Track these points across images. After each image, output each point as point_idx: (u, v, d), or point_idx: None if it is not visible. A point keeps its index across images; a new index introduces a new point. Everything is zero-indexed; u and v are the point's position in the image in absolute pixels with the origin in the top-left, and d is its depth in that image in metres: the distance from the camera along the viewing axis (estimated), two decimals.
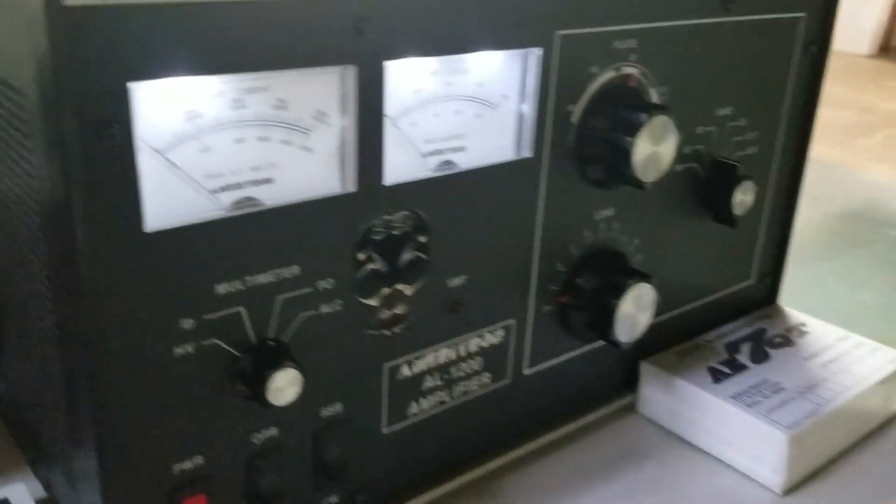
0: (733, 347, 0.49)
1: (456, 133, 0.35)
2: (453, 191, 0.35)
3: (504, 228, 0.37)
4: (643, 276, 0.41)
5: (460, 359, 0.38)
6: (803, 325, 0.52)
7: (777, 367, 0.47)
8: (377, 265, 0.34)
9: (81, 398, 0.29)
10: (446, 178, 0.34)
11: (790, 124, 0.50)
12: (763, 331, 0.51)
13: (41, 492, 0.38)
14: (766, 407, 0.43)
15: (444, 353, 0.38)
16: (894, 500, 0.42)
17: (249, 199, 0.30)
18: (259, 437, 0.32)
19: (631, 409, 0.48)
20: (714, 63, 0.44)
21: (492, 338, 0.39)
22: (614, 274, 0.41)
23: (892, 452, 0.45)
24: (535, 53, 0.35)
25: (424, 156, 0.34)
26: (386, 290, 0.34)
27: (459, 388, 0.39)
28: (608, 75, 0.38)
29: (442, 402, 0.39)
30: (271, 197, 0.30)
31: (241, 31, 0.27)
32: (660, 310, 0.42)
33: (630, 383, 0.48)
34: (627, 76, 0.39)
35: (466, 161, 0.35)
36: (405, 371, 0.36)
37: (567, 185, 0.39)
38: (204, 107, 0.28)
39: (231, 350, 0.30)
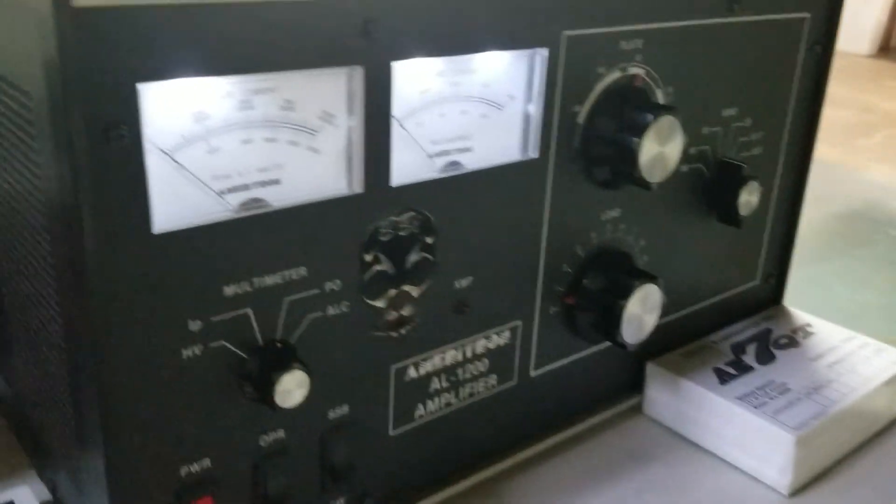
0: (739, 348, 0.49)
1: (462, 134, 0.35)
2: (460, 192, 0.35)
3: (510, 229, 0.37)
4: (650, 277, 0.41)
5: (467, 360, 0.38)
6: (808, 325, 0.52)
7: (783, 368, 0.47)
8: (384, 266, 0.34)
9: (88, 400, 0.29)
10: (453, 178, 0.34)
11: (795, 124, 0.50)
12: (769, 331, 0.51)
13: (46, 494, 0.38)
14: (773, 408, 0.43)
15: (450, 355, 0.37)
16: None
17: (256, 200, 0.30)
18: (266, 440, 0.32)
19: (637, 410, 0.48)
20: (719, 63, 0.44)
21: (498, 339, 0.39)
22: (621, 275, 0.41)
23: None
24: (542, 54, 0.35)
25: (431, 157, 0.34)
26: (392, 292, 0.34)
27: (466, 390, 0.39)
28: (614, 76, 0.38)
29: (448, 404, 0.38)
30: (278, 198, 0.30)
31: (249, 32, 0.27)
32: (665, 311, 0.42)
33: (635, 385, 0.48)
34: (633, 76, 0.39)
35: (473, 162, 0.35)
36: (412, 373, 0.36)
37: (573, 185, 0.39)
38: (211, 108, 0.28)
39: (238, 352, 0.30)
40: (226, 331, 0.30)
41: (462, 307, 0.37)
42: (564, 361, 0.43)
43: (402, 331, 0.35)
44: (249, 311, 0.30)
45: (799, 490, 0.42)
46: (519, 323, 0.40)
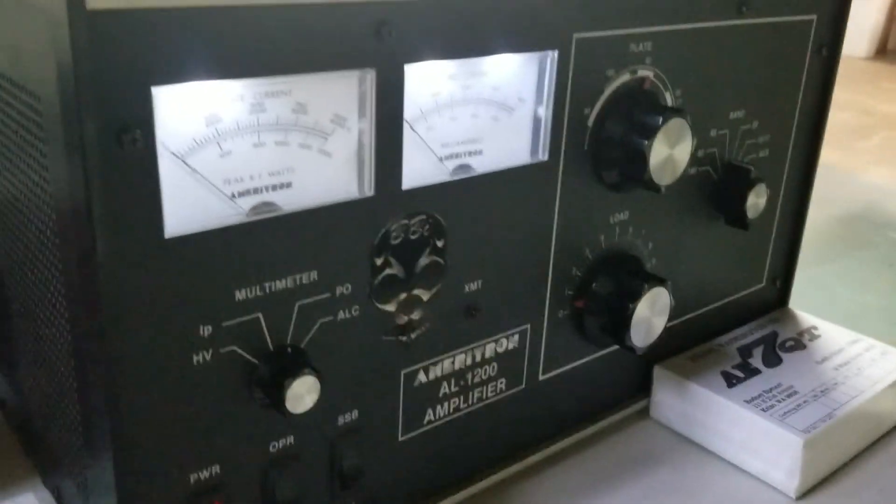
0: (746, 351, 0.49)
1: (473, 136, 0.35)
2: (470, 194, 0.35)
3: (520, 232, 0.37)
4: (659, 280, 0.41)
5: (476, 365, 0.38)
6: (814, 328, 0.52)
7: (790, 371, 0.47)
8: (394, 270, 0.33)
9: (97, 407, 0.28)
10: (463, 181, 0.34)
11: (801, 127, 0.50)
12: (775, 334, 0.51)
13: (51, 502, 0.38)
14: (781, 411, 0.43)
15: (459, 359, 0.37)
16: None
17: (267, 203, 0.29)
18: (276, 446, 0.32)
19: (643, 414, 0.48)
20: (727, 66, 0.44)
21: (507, 343, 0.39)
22: (630, 278, 0.40)
23: None
24: (552, 56, 0.35)
25: (441, 160, 0.34)
26: (403, 296, 0.34)
27: (475, 395, 0.39)
28: (624, 78, 0.38)
29: (457, 409, 0.38)
30: (289, 202, 0.30)
31: (262, 35, 0.27)
32: (672, 314, 0.42)
33: (642, 388, 0.48)
34: (643, 79, 0.39)
35: (483, 165, 0.35)
36: (421, 377, 0.36)
37: (583, 188, 0.39)
38: (223, 111, 0.27)
39: (249, 357, 0.30)
40: (236, 336, 0.29)
41: (472, 311, 0.36)
42: (572, 365, 0.43)
43: (412, 335, 0.35)
44: (260, 316, 0.30)
45: (806, 493, 0.42)
46: (528, 327, 0.40)
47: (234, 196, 0.29)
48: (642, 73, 0.39)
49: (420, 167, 0.33)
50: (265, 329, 0.30)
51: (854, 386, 0.46)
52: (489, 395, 0.39)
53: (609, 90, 0.38)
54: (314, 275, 0.31)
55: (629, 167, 0.38)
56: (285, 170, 0.30)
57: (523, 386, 0.41)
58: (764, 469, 0.43)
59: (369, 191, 0.31)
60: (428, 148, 0.33)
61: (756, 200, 0.46)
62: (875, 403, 0.45)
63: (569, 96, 0.36)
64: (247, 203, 0.29)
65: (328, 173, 0.31)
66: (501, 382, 0.40)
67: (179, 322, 0.28)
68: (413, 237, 0.33)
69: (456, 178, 0.34)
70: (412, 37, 0.30)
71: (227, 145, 0.28)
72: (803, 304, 0.55)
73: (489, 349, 0.38)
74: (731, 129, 0.46)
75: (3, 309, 0.40)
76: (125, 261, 0.26)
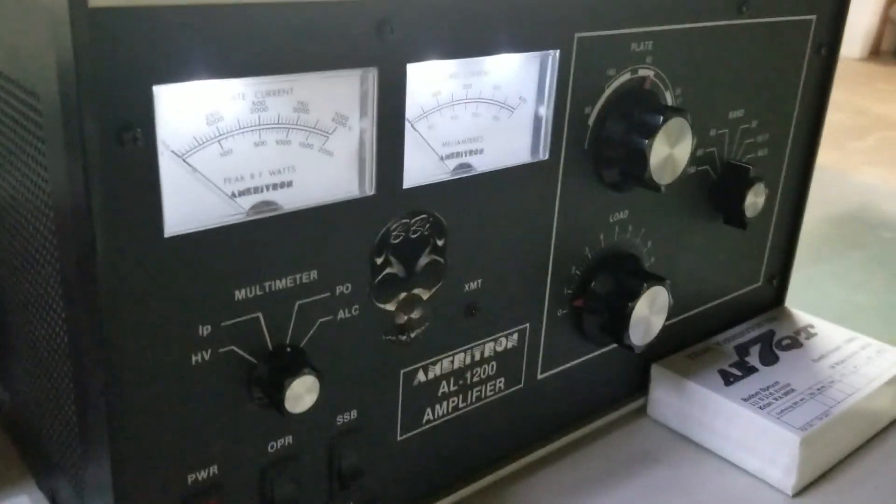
0: (743, 350, 0.49)
1: (473, 135, 0.35)
2: (470, 193, 0.34)
3: (520, 231, 0.37)
4: (658, 279, 0.41)
5: (475, 364, 0.38)
6: (811, 326, 0.52)
7: (787, 369, 0.47)
8: (394, 269, 0.33)
9: (94, 406, 0.28)
10: (464, 180, 0.34)
11: (799, 126, 0.50)
12: (772, 333, 0.51)
13: None
14: (778, 409, 0.43)
15: (459, 358, 0.37)
16: None
17: (268, 202, 0.29)
18: (274, 446, 0.32)
19: (641, 412, 0.48)
20: (727, 65, 0.44)
21: (507, 342, 0.39)
22: (630, 277, 0.41)
23: None
24: (554, 56, 0.35)
25: (442, 159, 0.34)
26: (403, 295, 0.34)
27: (473, 394, 0.39)
28: (624, 77, 0.38)
29: (456, 408, 0.38)
30: (290, 201, 0.30)
31: (264, 34, 0.26)
32: (670, 313, 0.42)
33: (640, 386, 0.48)
34: (643, 79, 0.39)
35: (484, 164, 0.35)
36: (420, 377, 0.36)
37: (583, 187, 0.39)
38: (224, 109, 0.27)
39: (248, 357, 0.30)
40: (235, 335, 0.29)
41: (472, 310, 0.36)
42: (571, 364, 0.43)
43: (412, 334, 0.35)
44: (260, 316, 0.30)
45: (803, 490, 0.42)
46: (527, 326, 0.40)
47: (234, 195, 0.28)
48: (643, 72, 0.39)
49: (421, 166, 0.33)
50: (265, 328, 0.30)
51: (850, 384, 0.46)
52: (488, 394, 0.39)
53: (610, 89, 0.38)
54: (314, 274, 0.31)
55: (630, 166, 0.38)
56: (286, 169, 0.29)
57: (522, 385, 0.41)
58: (761, 467, 0.43)
59: (370, 190, 0.31)
60: (429, 147, 0.33)
61: (754, 199, 0.46)
62: (871, 401, 0.45)
63: (570, 95, 0.36)
64: (247, 202, 0.29)
65: (329, 172, 0.30)
66: (500, 381, 0.40)
67: (178, 321, 0.28)
68: (413, 236, 0.33)
69: (456, 177, 0.34)
70: (414, 36, 0.30)
71: (228, 144, 0.28)
72: (797, 305, 0.56)
73: (488, 348, 0.38)
74: (730, 129, 0.46)
75: None
76: (124, 260, 0.26)
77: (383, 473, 0.36)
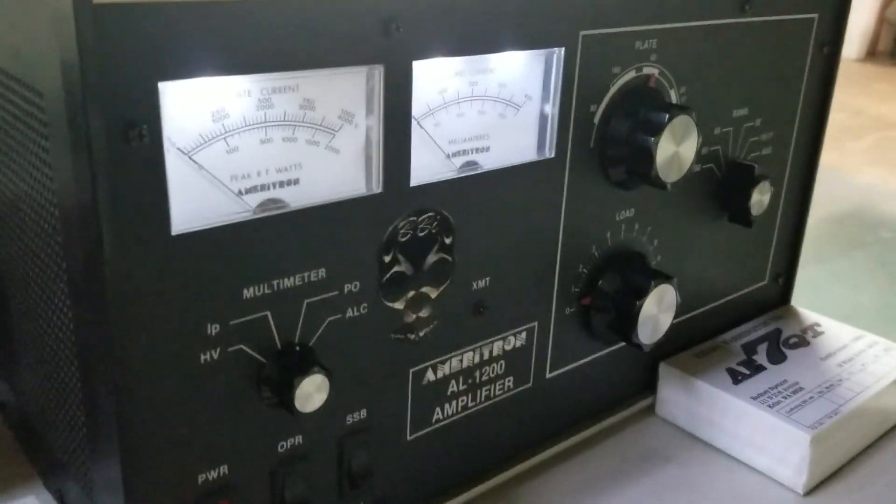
0: (750, 348, 0.49)
1: (480, 133, 0.35)
2: (477, 191, 0.34)
3: (527, 229, 0.37)
4: (665, 277, 0.40)
5: (484, 363, 0.38)
6: (817, 324, 0.52)
7: (795, 368, 0.47)
8: (402, 267, 0.33)
9: (102, 407, 0.28)
10: (470, 178, 0.34)
11: (803, 124, 0.50)
12: (779, 331, 0.51)
13: None
14: (787, 407, 0.43)
15: (467, 357, 0.37)
16: None
17: (275, 200, 0.29)
18: (284, 445, 0.32)
19: (650, 410, 0.47)
20: (731, 64, 0.44)
21: (515, 341, 0.39)
22: (637, 275, 0.40)
23: None
24: (559, 53, 0.35)
25: (448, 156, 0.34)
26: (411, 293, 0.34)
27: (482, 393, 0.38)
28: (629, 75, 0.38)
29: (465, 407, 0.38)
30: (297, 198, 0.29)
31: (270, 30, 0.26)
32: (677, 311, 0.42)
33: (648, 385, 0.47)
34: (648, 76, 0.39)
35: (490, 161, 0.35)
36: (429, 376, 0.36)
37: (589, 185, 0.39)
38: (230, 106, 0.27)
39: (257, 356, 0.30)
40: (244, 334, 0.29)
41: (480, 308, 0.36)
42: (579, 363, 0.43)
43: (421, 333, 0.35)
44: (268, 314, 0.30)
45: (814, 489, 0.42)
46: (535, 324, 0.39)
47: (241, 193, 0.28)
48: (647, 70, 0.39)
49: (427, 164, 0.33)
50: (273, 327, 0.30)
51: (859, 382, 0.46)
52: (497, 393, 0.39)
53: (615, 87, 0.38)
54: (322, 272, 0.31)
55: (636, 164, 0.38)
56: (293, 166, 0.29)
57: (530, 384, 0.40)
58: (770, 465, 0.42)
59: (377, 187, 0.31)
60: (435, 145, 0.33)
61: (760, 198, 0.46)
62: (880, 399, 0.45)
63: (575, 93, 0.36)
64: (254, 200, 0.29)
65: (336, 170, 0.30)
66: (509, 380, 0.39)
67: (186, 320, 0.28)
68: (421, 234, 0.33)
69: (463, 174, 0.34)
70: (420, 33, 0.30)
71: (234, 141, 0.28)
72: (800, 304, 0.55)
73: (497, 347, 0.38)
74: (734, 127, 0.46)
75: (2, 309, 0.39)
76: (131, 258, 0.26)
77: (393, 473, 0.36)
